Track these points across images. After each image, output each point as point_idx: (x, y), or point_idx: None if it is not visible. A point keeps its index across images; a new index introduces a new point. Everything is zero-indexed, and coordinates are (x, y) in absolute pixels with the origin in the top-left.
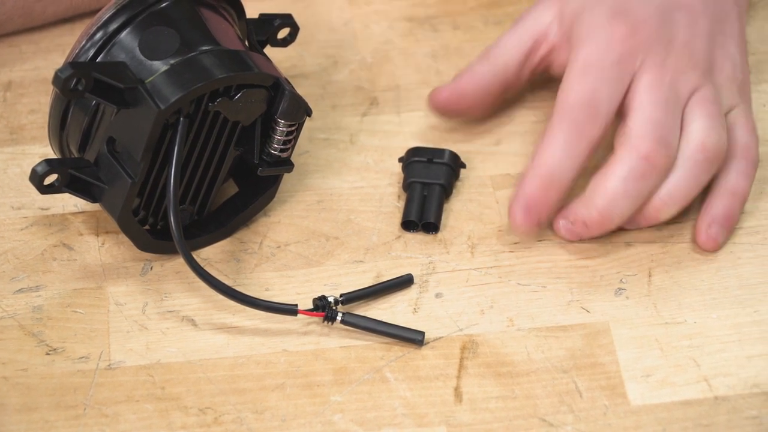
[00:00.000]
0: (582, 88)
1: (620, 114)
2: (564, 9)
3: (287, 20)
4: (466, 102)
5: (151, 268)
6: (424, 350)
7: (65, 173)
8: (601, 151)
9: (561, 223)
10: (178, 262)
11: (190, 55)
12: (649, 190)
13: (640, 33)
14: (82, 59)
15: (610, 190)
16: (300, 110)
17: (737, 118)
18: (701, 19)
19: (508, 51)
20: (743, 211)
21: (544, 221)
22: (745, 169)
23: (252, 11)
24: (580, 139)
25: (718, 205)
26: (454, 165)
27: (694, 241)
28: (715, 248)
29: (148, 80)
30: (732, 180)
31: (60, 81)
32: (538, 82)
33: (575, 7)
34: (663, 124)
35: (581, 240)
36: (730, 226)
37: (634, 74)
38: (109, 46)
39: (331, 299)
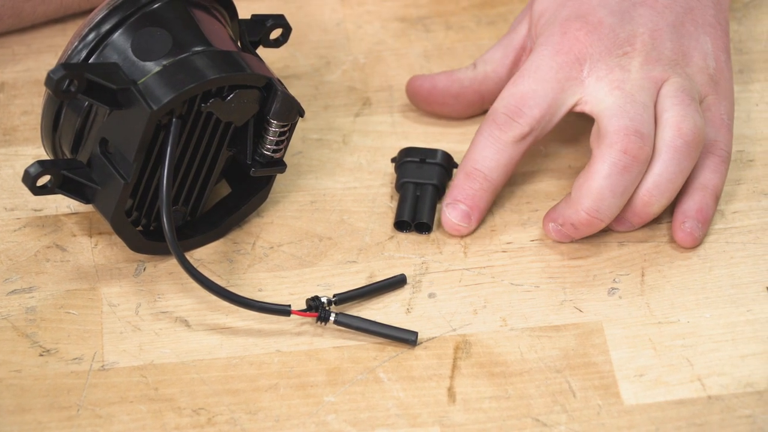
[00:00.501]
0: (509, 94)
1: (593, 120)
2: (532, 19)
3: (279, 21)
4: (437, 95)
5: (144, 269)
6: (418, 350)
7: (58, 174)
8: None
9: (550, 226)
10: (171, 263)
11: (182, 56)
12: (633, 183)
13: (594, 36)
14: (74, 60)
15: (595, 189)
16: (293, 111)
17: (707, 111)
18: (666, 11)
19: (491, 64)
20: (736, 210)
21: (474, 215)
22: (713, 164)
23: (244, 12)
24: (500, 138)
25: (689, 201)
26: (446, 165)
27: (672, 241)
28: (694, 243)
29: (141, 81)
30: (701, 176)
31: (52, 82)
32: None
33: (538, 16)
34: (634, 116)
35: (573, 240)
36: (705, 220)
37: (584, 79)
38: (101, 47)
39: (324, 300)
